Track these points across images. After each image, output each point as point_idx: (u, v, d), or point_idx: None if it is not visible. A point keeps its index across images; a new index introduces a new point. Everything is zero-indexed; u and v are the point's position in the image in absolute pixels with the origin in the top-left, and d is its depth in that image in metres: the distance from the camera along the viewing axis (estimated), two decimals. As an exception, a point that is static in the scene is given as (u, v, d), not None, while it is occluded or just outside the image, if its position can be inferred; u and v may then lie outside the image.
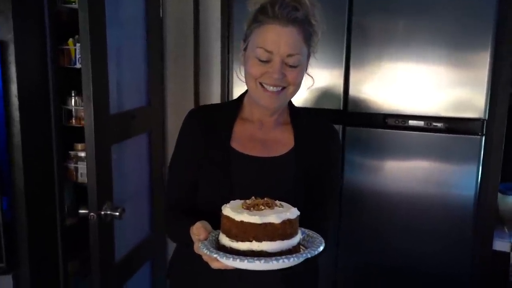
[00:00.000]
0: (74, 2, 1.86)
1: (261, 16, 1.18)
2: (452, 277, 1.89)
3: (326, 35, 1.89)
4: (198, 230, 1.09)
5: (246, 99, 1.33)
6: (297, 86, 1.22)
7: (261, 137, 1.29)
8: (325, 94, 1.96)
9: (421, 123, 1.86)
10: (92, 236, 1.80)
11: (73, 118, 1.97)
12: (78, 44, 1.87)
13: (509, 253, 1.89)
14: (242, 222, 1.00)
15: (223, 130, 1.28)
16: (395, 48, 1.84)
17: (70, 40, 1.90)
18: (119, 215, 1.83)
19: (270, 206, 1.05)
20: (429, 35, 1.79)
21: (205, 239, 1.07)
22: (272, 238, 1.00)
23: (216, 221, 1.13)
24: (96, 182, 1.76)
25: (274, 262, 0.97)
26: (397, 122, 1.88)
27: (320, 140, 1.31)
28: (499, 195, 1.97)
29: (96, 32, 1.72)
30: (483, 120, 1.78)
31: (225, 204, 1.07)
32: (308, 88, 1.30)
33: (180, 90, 2.41)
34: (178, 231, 1.23)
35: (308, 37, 1.20)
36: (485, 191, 1.85)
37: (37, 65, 1.75)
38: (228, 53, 2.19)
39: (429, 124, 1.85)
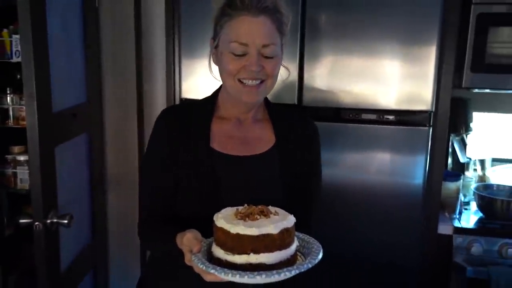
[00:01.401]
0: (7, -12, 1.67)
1: (230, 9, 1.15)
2: (403, 261, 1.98)
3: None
4: (190, 242, 1.02)
5: (220, 97, 1.28)
6: (275, 77, 1.20)
7: (240, 135, 1.25)
8: (279, 88, 1.94)
9: (373, 116, 1.91)
10: (38, 247, 1.64)
11: (10, 118, 1.76)
12: (14, 36, 1.68)
13: (451, 236, 2.02)
14: (238, 234, 0.95)
15: (201, 130, 1.22)
16: (348, 43, 1.88)
17: (5, 31, 1.69)
18: (68, 223, 1.68)
19: (265, 215, 1.00)
20: (380, 30, 1.85)
21: (199, 251, 1.01)
22: (270, 249, 0.96)
23: (201, 227, 1.08)
24: (41, 188, 1.61)
25: (276, 276, 0.93)
26: (350, 115, 1.93)
27: (300, 134, 1.30)
28: (440, 182, 2.10)
29: (37, 23, 1.56)
30: (430, 112, 1.88)
31: (216, 214, 1.01)
32: (284, 81, 1.29)
33: (121, 87, 2.27)
34: (161, 243, 1.16)
35: (280, 26, 1.18)
36: (430, 179, 1.95)
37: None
38: (174, 47, 2.09)
39: (381, 117, 1.91)
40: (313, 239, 1.09)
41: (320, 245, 1.06)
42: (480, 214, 2.16)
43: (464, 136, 2.47)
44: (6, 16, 1.67)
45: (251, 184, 1.19)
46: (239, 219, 0.98)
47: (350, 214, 1.97)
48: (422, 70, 1.85)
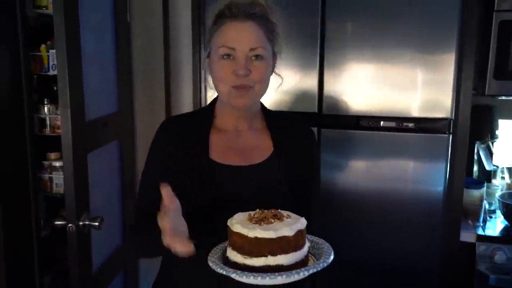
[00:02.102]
0: (46, 6, 1.80)
1: (220, 19, 1.18)
2: (423, 269, 1.99)
3: (300, 39, 1.97)
4: (160, 218, 1.02)
5: (217, 107, 1.29)
6: (264, 83, 1.20)
7: (239, 145, 1.26)
8: (300, 97, 2.01)
9: (392, 124, 1.94)
10: (71, 248, 1.74)
11: (47, 127, 1.89)
12: (51, 51, 1.81)
13: (474, 244, 2.02)
14: (256, 238, 0.97)
15: (199, 141, 1.23)
16: (367, 51, 1.92)
17: (43, 46, 1.83)
18: (99, 225, 1.78)
19: (279, 218, 1.03)
20: (399, 38, 1.88)
21: (175, 209, 1.04)
22: (286, 251, 0.99)
23: (203, 237, 1.11)
24: (74, 192, 1.72)
25: (295, 275, 0.97)
26: (370, 123, 1.96)
27: (299, 142, 1.31)
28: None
29: (71, 38, 1.68)
30: (450, 119, 1.89)
31: (230, 220, 1.04)
32: (277, 88, 1.29)
33: (150, 96, 2.38)
34: (146, 238, 1.17)
35: (269, 33, 1.20)
36: (452, 186, 1.96)
37: (10, 72, 1.68)
38: (200, 57, 2.19)
39: (400, 124, 1.94)
40: (322, 240, 1.12)
41: (329, 245, 1.09)
42: (506, 223, 2.14)
43: (490, 143, 2.45)
44: (44, 33, 1.81)
45: (251, 193, 1.20)
46: (254, 223, 1.01)
47: (370, 221, 2.00)
48: (441, 77, 1.87)
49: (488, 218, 2.19)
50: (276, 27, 1.22)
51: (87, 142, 1.85)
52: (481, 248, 2.01)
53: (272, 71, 1.26)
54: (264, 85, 1.21)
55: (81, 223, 1.75)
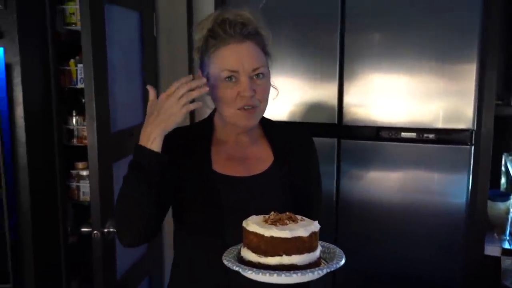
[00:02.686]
0: (75, 23, 1.90)
1: (213, 40, 1.17)
2: (445, 282, 1.96)
3: (319, 51, 1.99)
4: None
5: (216, 120, 1.29)
6: (266, 101, 1.22)
7: (239, 156, 1.27)
8: (319, 107, 2.03)
9: (413, 135, 1.94)
10: (96, 254, 1.81)
11: (75, 138, 1.98)
12: (79, 65, 1.91)
13: (499, 257, 1.97)
14: (272, 237, 1.00)
15: (201, 153, 1.25)
16: (386, 62, 1.93)
17: (72, 61, 1.93)
18: (123, 232, 1.85)
19: (294, 220, 1.06)
20: (419, 48, 1.88)
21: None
22: (300, 251, 1.01)
23: (206, 246, 1.17)
24: (99, 200, 1.79)
25: (310, 274, 1.00)
26: (390, 134, 1.96)
27: (298, 149, 1.32)
28: (488, 202, 2.06)
29: (98, 53, 1.77)
30: (472, 130, 1.87)
31: (245, 221, 1.07)
32: (273, 99, 1.27)
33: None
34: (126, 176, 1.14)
35: (264, 48, 1.21)
36: (475, 198, 1.93)
37: (40, 86, 1.78)
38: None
39: (421, 135, 1.93)
40: (333, 245, 1.13)
41: (340, 249, 1.11)
42: (533, 236, 2.09)
43: (518, 155, 2.40)
44: (73, 48, 1.91)
45: (254, 203, 1.20)
46: (269, 224, 1.04)
47: (391, 233, 1.99)
48: (462, 87, 1.86)
49: (515, 231, 2.14)
50: (266, 38, 1.22)
51: (112, 152, 1.92)
52: (506, 262, 1.96)
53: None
54: (267, 102, 1.22)
55: (106, 230, 1.81)
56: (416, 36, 1.89)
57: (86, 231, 1.83)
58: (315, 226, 1.05)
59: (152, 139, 1.08)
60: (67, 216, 1.95)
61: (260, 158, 1.27)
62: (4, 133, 1.63)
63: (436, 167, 1.93)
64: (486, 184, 1.95)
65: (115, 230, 1.82)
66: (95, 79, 1.74)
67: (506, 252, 1.97)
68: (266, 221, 1.06)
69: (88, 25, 1.69)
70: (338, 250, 1.11)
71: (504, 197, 2.10)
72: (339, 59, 1.98)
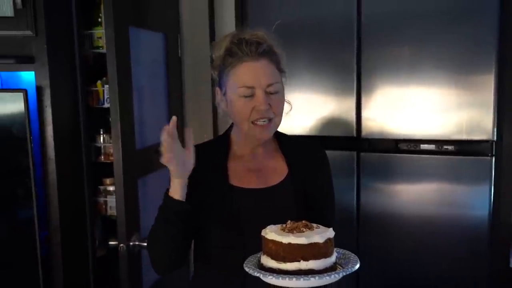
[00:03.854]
0: (102, 47, 2.00)
1: (231, 58, 1.25)
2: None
3: (337, 66, 2.03)
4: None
5: (233, 135, 1.37)
6: (280, 115, 1.29)
7: (255, 169, 1.33)
8: (338, 121, 2.06)
9: (432, 147, 1.94)
10: (122, 267, 1.88)
11: (102, 155, 2.08)
12: (106, 86, 2.01)
13: (526, 270, 1.93)
14: (290, 244, 1.06)
15: (218, 167, 1.32)
16: (404, 75, 1.95)
17: (99, 82, 2.03)
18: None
19: (309, 228, 1.12)
20: (436, 61, 1.90)
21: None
22: (317, 257, 1.07)
23: (223, 256, 1.25)
24: (124, 214, 1.86)
25: (327, 278, 1.05)
26: (409, 146, 1.97)
27: (311, 161, 1.37)
28: (513, 213, 2.02)
29: (123, 74, 1.86)
30: (492, 141, 1.86)
31: (264, 230, 1.12)
32: (286, 113, 1.34)
33: (200, 126, 2.53)
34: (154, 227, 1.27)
35: (278, 65, 1.28)
36: (498, 209, 1.90)
37: (69, 107, 1.88)
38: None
39: (440, 147, 1.92)
40: (348, 251, 1.18)
41: (356, 256, 1.15)
42: None
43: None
44: (99, 69, 2.01)
45: (269, 213, 1.26)
46: (287, 232, 1.11)
47: (412, 246, 1.98)
48: (481, 99, 1.85)
49: (544, 244, 2.08)
50: (280, 56, 1.30)
51: (137, 168, 2.01)
52: (534, 275, 1.92)
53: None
54: (281, 116, 1.30)
55: (131, 243, 1.89)
56: (433, 49, 1.91)
57: (113, 244, 1.91)
58: (330, 232, 1.11)
59: (175, 188, 1.19)
60: (95, 230, 2.03)
61: (275, 171, 1.34)
62: (35, 150, 1.73)
63: (457, 179, 1.92)
64: (510, 195, 1.92)
65: (140, 244, 1.91)
66: (120, 99, 1.83)
67: (533, 264, 1.93)
68: (283, 229, 1.12)
69: (113, 48, 1.79)
70: (353, 256, 1.16)
71: (530, 208, 2.06)
72: (356, 73, 2.01)
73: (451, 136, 1.91)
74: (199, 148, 1.31)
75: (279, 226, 1.14)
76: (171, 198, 1.19)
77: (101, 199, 2.07)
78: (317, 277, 1.05)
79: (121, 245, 1.87)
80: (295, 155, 1.37)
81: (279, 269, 1.08)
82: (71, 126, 1.90)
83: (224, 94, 1.29)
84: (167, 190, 1.22)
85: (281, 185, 1.32)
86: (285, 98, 1.31)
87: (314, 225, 1.14)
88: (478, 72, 1.85)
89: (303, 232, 1.11)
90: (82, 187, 1.94)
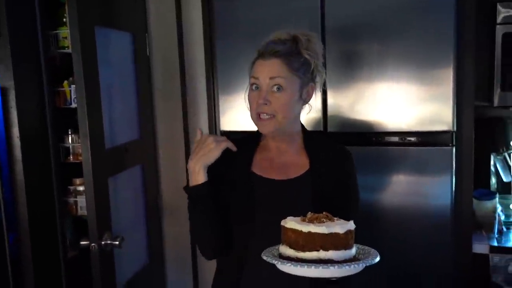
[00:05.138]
0: (67, 47, 2.00)
1: (257, 55, 1.39)
2: (437, 281, 2.00)
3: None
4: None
5: None
6: (285, 113, 1.35)
7: (279, 162, 1.43)
8: (306, 116, 2.09)
9: (396, 139, 2.00)
10: (94, 266, 1.88)
11: (71, 155, 2.08)
12: (73, 86, 2.01)
13: (488, 255, 2.01)
14: (310, 233, 1.08)
15: (244, 157, 1.43)
16: (366, 71, 1.99)
17: (65, 82, 2.03)
18: (119, 244, 1.92)
19: (330, 219, 1.15)
20: (395, 57, 1.95)
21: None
22: (337, 247, 1.09)
23: (236, 240, 1.34)
24: (95, 213, 1.86)
25: (347, 267, 1.07)
26: (374, 139, 2.02)
27: (334, 161, 1.44)
28: (475, 201, 2.10)
29: (89, 74, 1.86)
30: (452, 132, 1.93)
31: (283, 220, 1.16)
32: (307, 114, 1.46)
33: (170, 124, 2.54)
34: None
35: (296, 67, 1.35)
36: (460, 198, 1.98)
37: (35, 107, 1.88)
38: (214, 87, 2.33)
39: (403, 139, 1.98)
40: (368, 247, 1.21)
41: (376, 251, 1.18)
42: (522, 234, 2.13)
43: (506, 155, 2.43)
44: (66, 69, 2.01)
45: (285, 204, 1.35)
46: (307, 222, 1.13)
47: (377, 237, 2.02)
48: (441, 91, 1.92)
49: (505, 229, 2.17)
50: (307, 60, 1.37)
51: (107, 167, 2.01)
52: (495, 259, 2.00)
53: (306, 101, 1.42)
54: (287, 114, 1.36)
55: (103, 242, 1.89)
56: (392, 45, 1.96)
57: (84, 244, 1.91)
58: (350, 225, 1.13)
59: (197, 171, 1.31)
60: (66, 230, 2.03)
61: (297, 165, 1.42)
62: (1, 151, 1.72)
63: (420, 169, 1.98)
64: (470, 184, 2.00)
65: (112, 242, 1.91)
66: (87, 98, 1.83)
67: (494, 249, 2.01)
68: (303, 220, 1.14)
69: (78, 48, 1.79)
70: (373, 251, 1.18)
71: (490, 196, 2.14)
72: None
73: (413, 128, 1.97)
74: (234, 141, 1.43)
75: (299, 217, 1.16)
76: (196, 186, 1.31)
77: (72, 200, 2.07)
78: (336, 266, 1.06)
79: (93, 244, 1.87)
80: (318, 152, 1.44)
81: (297, 257, 1.09)
82: (38, 127, 1.89)
83: (247, 88, 1.41)
84: (187, 185, 1.34)
85: (300, 178, 1.40)
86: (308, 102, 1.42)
87: (335, 218, 1.16)
88: (438, 67, 1.92)
89: (323, 222, 1.12)
90: (51, 188, 1.93)
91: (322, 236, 1.07)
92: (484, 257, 2.02)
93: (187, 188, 1.35)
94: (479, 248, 2.03)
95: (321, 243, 1.07)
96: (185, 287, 2.63)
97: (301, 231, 1.08)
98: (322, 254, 1.07)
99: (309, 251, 1.08)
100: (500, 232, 2.13)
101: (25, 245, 1.81)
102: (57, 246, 1.98)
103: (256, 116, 1.36)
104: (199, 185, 1.31)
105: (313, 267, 1.05)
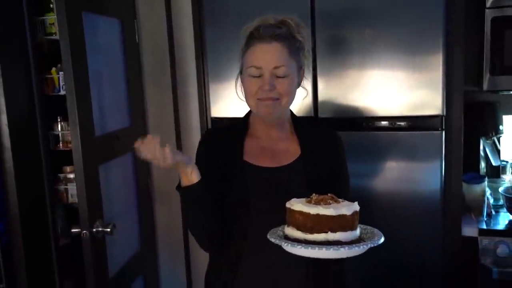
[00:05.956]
0: (55, 33, 1.97)
1: (250, 40, 1.35)
2: (427, 263, 2.02)
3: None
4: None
5: (251, 118, 1.47)
6: (289, 96, 1.36)
7: (270, 149, 1.43)
8: (296, 102, 2.09)
9: (386, 123, 2.00)
10: (86, 253, 1.89)
11: (60, 142, 2.07)
12: (61, 73, 1.99)
13: (477, 238, 2.03)
14: (318, 215, 1.09)
15: (235, 146, 1.42)
16: (357, 57, 1.99)
17: (53, 69, 2.01)
18: (110, 231, 1.92)
19: (336, 201, 1.16)
20: (385, 42, 1.95)
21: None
22: (344, 229, 1.10)
23: (231, 228, 1.33)
24: (86, 201, 1.86)
25: (356, 248, 1.08)
26: (364, 124, 2.03)
27: (324, 146, 1.44)
28: (464, 185, 2.12)
29: (78, 60, 1.84)
30: (442, 116, 1.94)
31: (288, 202, 1.16)
32: (303, 99, 1.48)
33: (161, 110, 2.53)
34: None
35: (294, 51, 1.35)
36: (449, 182, 1.99)
37: (23, 94, 1.85)
38: (203, 73, 2.32)
39: (393, 123, 1.99)
40: (370, 227, 1.23)
41: (379, 230, 1.20)
42: (510, 216, 2.15)
43: (496, 139, 2.45)
44: (54, 57, 1.98)
45: (279, 191, 1.34)
46: (314, 203, 1.13)
47: (368, 222, 2.04)
48: (430, 76, 1.92)
49: (494, 212, 2.19)
50: (302, 43, 1.37)
51: (98, 155, 2.00)
52: (484, 242, 2.02)
53: (299, 84, 1.41)
54: (290, 98, 1.37)
55: (94, 229, 1.89)
56: (382, 31, 1.96)
57: (75, 231, 1.90)
58: (355, 206, 1.14)
59: (189, 171, 1.26)
60: (56, 218, 2.02)
61: (289, 152, 1.42)
62: (-11, 140, 1.71)
63: (410, 153, 1.99)
64: (460, 167, 2.01)
65: (103, 229, 1.91)
66: (76, 85, 1.81)
67: (482, 232, 2.03)
68: (309, 201, 1.15)
69: (66, 34, 1.77)
70: (376, 231, 1.20)
71: (479, 179, 2.16)
72: (312, 56, 2.04)
73: (403, 113, 1.97)
74: (216, 132, 1.46)
75: (303, 199, 1.17)
76: (189, 186, 1.26)
77: (62, 187, 2.06)
78: (346, 248, 1.07)
79: (84, 231, 1.87)
80: (309, 137, 1.44)
81: (305, 239, 1.10)
82: (26, 114, 1.87)
83: (241, 72, 1.38)
84: (178, 185, 1.30)
85: (292, 165, 1.40)
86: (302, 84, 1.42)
87: (340, 199, 1.17)
88: (427, 52, 1.91)
89: (330, 204, 1.13)
90: (41, 176, 1.92)
91: (330, 218, 1.08)
92: (473, 240, 2.04)
93: (180, 189, 1.30)
94: (468, 231, 2.05)
95: (329, 225, 1.09)
96: (178, 273, 2.64)
97: (309, 213, 1.09)
98: (331, 236, 1.09)
99: (317, 233, 1.09)
100: (489, 215, 2.15)
101: (15, 234, 1.80)
102: (48, 234, 1.97)
103: (257, 101, 1.35)
104: (194, 185, 1.27)
105: (324, 249, 1.06)
